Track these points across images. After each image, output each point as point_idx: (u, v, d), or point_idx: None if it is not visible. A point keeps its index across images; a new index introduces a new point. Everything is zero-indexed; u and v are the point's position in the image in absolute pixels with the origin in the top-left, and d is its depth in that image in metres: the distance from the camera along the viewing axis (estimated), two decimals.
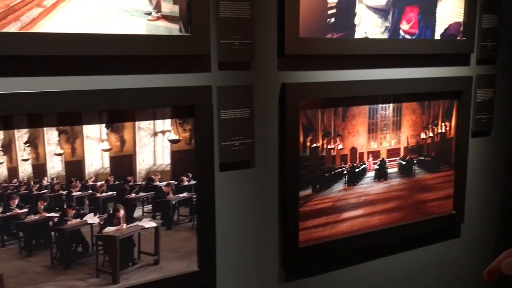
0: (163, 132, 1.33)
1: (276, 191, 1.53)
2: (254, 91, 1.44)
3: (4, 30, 1.08)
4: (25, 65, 1.12)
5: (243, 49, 1.39)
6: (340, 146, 1.63)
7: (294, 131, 1.50)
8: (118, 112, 1.26)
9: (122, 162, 1.29)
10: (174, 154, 1.35)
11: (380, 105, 1.68)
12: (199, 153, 1.37)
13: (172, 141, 1.35)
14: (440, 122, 1.82)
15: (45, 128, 1.17)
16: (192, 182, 1.38)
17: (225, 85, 1.39)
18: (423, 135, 1.79)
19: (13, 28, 1.09)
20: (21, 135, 1.15)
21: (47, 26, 1.12)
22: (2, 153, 1.13)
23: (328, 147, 1.60)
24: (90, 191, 1.24)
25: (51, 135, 1.18)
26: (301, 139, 1.53)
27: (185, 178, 1.37)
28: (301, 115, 1.51)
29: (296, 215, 1.55)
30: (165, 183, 1.35)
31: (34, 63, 1.13)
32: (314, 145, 1.57)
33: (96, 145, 1.24)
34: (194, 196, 1.38)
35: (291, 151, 1.51)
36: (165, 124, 1.33)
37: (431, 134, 1.81)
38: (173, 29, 1.28)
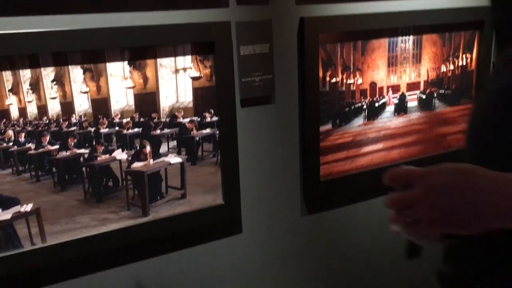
0: (184, 69, 1.34)
1: (297, 126, 1.55)
2: (273, 26, 1.43)
3: None
4: (49, 3, 1.13)
5: None
6: (360, 81, 1.63)
7: (313, 66, 1.50)
8: (140, 50, 1.27)
9: (146, 99, 1.31)
10: (196, 91, 1.37)
11: (399, 38, 1.66)
12: (220, 89, 1.38)
13: (194, 78, 1.36)
14: (461, 54, 1.80)
15: (70, 66, 1.19)
16: (215, 118, 1.40)
17: (243, 21, 1.38)
18: (443, 68, 1.77)
19: None
20: (47, 74, 1.17)
21: None
22: (31, 91, 1.16)
23: (348, 82, 1.60)
24: (117, 128, 1.28)
25: (76, 73, 1.21)
26: (321, 74, 1.53)
27: (207, 115, 1.40)
28: (320, 50, 1.51)
29: (316, 150, 1.58)
30: (188, 119, 1.38)
31: (58, 1, 1.14)
32: (334, 80, 1.57)
33: (120, 83, 1.26)
34: (217, 132, 1.41)
35: (310, 86, 1.52)
36: (186, 61, 1.34)
37: (451, 67, 1.79)
38: None
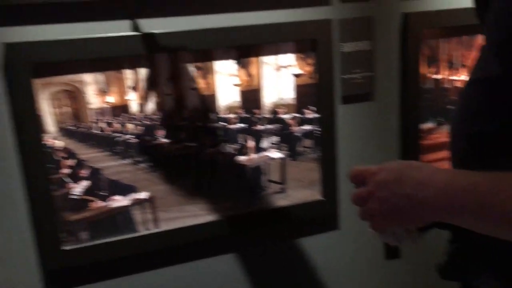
0: (287, 66, 1.38)
1: (397, 124, 1.53)
2: (374, 23, 1.43)
3: None
4: (164, 7, 1.22)
5: None
6: (464, 77, 1.57)
7: (416, 63, 1.48)
8: (245, 48, 1.33)
9: (250, 96, 1.37)
10: (297, 88, 1.41)
11: None
12: (321, 86, 1.41)
13: (296, 75, 1.40)
14: None
15: (183, 65, 1.28)
16: (315, 115, 1.43)
17: (345, 18, 1.40)
18: None
19: None
20: (163, 72, 1.27)
21: None
22: (149, 88, 1.26)
23: (452, 78, 1.55)
24: (223, 123, 1.35)
25: (188, 71, 1.29)
26: (423, 70, 1.50)
27: (308, 111, 1.43)
28: (423, 46, 1.48)
29: (417, 148, 1.55)
30: (289, 116, 1.41)
31: (173, 4, 1.23)
32: (437, 76, 1.53)
33: (227, 80, 1.33)
34: (317, 128, 1.43)
35: (412, 83, 1.49)
36: (288, 59, 1.38)
37: None
38: None
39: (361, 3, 1.41)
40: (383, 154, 1.54)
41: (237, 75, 1.34)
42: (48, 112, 1.18)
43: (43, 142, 1.17)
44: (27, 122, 1.14)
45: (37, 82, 1.15)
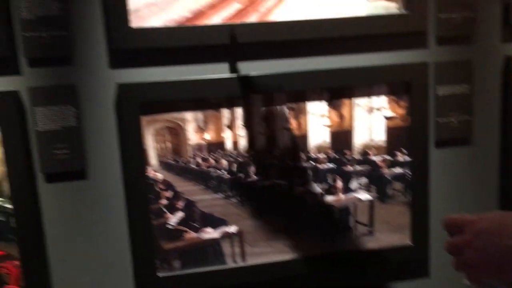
0: (379, 108, 1.38)
1: (496, 170, 1.46)
2: (474, 66, 1.39)
3: (247, 20, 1.26)
4: (260, 50, 1.29)
5: (463, 23, 1.35)
6: None
7: None
8: (338, 90, 1.35)
9: (341, 137, 1.38)
10: (389, 130, 1.40)
11: None
12: (414, 129, 1.39)
13: (388, 118, 1.39)
14: None
15: (276, 106, 1.33)
16: (407, 158, 1.40)
17: (442, 61, 1.37)
18: None
19: (253, 18, 1.26)
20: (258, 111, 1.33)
21: (279, 14, 1.27)
22: (244, 127, 1.32)
23: None
24: (313, 163, 1.37)
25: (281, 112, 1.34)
26: None
27: (399, 154, 1.41)
28: None
29: None
30: (380, 157, 1.40)
31: (268, 48, 1.29)
32: None
33: (318, 121, 1.36)
34: (409, 172, 1.41)
35: None
36: (381, 101, 1.38)
37: None
38: (391, 7, 1.32)
39: (460, 46, 1.38)
40: (480, 201, 1.47)
41: (328, 116, 1.36)
42: (152, 146, 1.28)
43: (146, 174, 1.27)
44: (133, 155, 1.25)
45: (144, 119, 1.25)
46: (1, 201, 1.21)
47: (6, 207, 1.21)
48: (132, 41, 1.19)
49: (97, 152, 1.25)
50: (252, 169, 1.35)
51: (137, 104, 1.23)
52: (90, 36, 1.20)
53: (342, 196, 1.40)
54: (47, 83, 1.19)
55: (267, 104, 1.32)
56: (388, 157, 1.41)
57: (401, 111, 1.39)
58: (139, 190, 1.26)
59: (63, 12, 1.16)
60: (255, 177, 1.35)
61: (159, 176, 1.30)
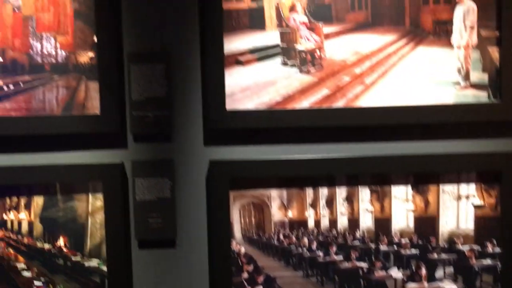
0: (467, 196, 1.35)
1: None
2: None
3: (333, 105, 1.31)
4: (347, 134, 1.33)
5: None
6: None
7: None
8: (424, 175, 1.35)
9: (425, 223, 1.36)
10: (477, 219, 1.35)
11: None
12: (506, 220, 1.33)
13: (476, 206, 1.35)
14: None
15: (359, 187, 1.35)
16: (497, 249, 1.34)
17: None
18: None
19: (340, 103, 1.32)
20: (340, 192, 1.35)
21: (366, 100, 1.32)
22: (326, 206, 1.35)
23: None
24: (395, 247, 1.35)
25: (364, 194, 1.35)
26: None
27: (489, 245, 1.35)
28: None
29: None
30: (468, 247, 1.35)
31: (355, 132, 1.33)
32: None
33: (402, 205, 1.35)
34: (499, 264, 1.34)
35: None
36: (469, 188, 1.35)
37: None
38: (481, 96, 1.32)
39: None
40: None
41: (412, 201, 1.35)
42: (237, 220, 1.35)
43: (230, 247, 1.32)
44: (220, 228, 1.31)
45: (232, 194, 1.32)
46: (98, 263, 1.32)
47: (103, 270, 1.32)
48: (226, 122, 1.29)
49: (187, 223, 1.33)
50: (333, 249, 1.35)
51: (227, 180, 1.31)
52: (189, 116, 1.32)
53: (425, 284, 1.35)
54: (148, 157, 1.31)
55: (351, 185, 1.35)
56: (476, 247, 1.35)
57: (491, 200, 1.34)
58: (223, 262, 1.32)
59: (167, 94, 1.29)
60: (335, 257, 1.35)
61: (242, 249, 1.34)
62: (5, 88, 1.28)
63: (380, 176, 1.35)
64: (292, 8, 1.31)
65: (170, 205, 1.31)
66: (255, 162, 1.31)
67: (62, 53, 1.28)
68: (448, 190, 1.35)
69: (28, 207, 1.33)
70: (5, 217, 1.32)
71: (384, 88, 1.32)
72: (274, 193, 1.35)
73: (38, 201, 1.32)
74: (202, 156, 1.32)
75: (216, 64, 1.28)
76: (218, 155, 1.32)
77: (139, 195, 1.31)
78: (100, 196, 1.31)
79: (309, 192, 1.35)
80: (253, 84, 1.31)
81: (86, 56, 1.28)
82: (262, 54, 1.32)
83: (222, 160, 1.31)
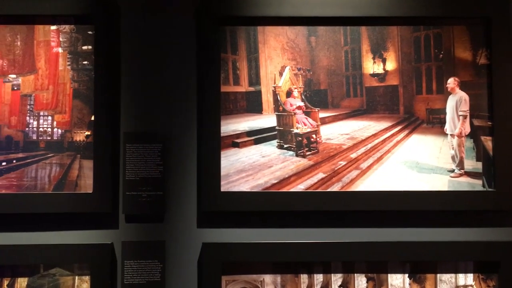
0: (465, 286, 1.32)
1: None
2: None
3: (329, 189, 1.31)
4: (341, 218, 1.31)
5: None
6: None
7: None
8: (421, 264, 1.32)
9: None
10: None
11: None
12: None
13: None
14: None
15: (355, 274, 1.31)
16: None
17: None
18: None
19: (336, 187, 1.31)
20: (336, 279, 1.31)
21: (362, 185, 1.31)
22: None
23: None
24: None
25: (360, 281, 1.31)
26: None
27: None
28: None
29: None
30: None
31: (346, 217, 1.31)
32: None
33: None
34: None
35: None
36: (467, 278, 1.32)
37: None
38: (476, 184, 1.32)
39: None
40: None
41: None
42: None
43: None
44: None
45: (224, 279, 1.28)
46: None
47: None
48: (220, 204, 1.27)
49: None
50: None
51: (219, 264, 1.27)
52: (183, 197, 1.30)
53: None
54: (139, 238, 1.28)
55: (346, 272, 1.31)
56: None
57: None
58: None
59: (162, 175, 1.28)
60: None
61: None
62: None
63: (376, 263, 1.32)
64: (289, 93, 1.33)
65: None
66: (249, 245, 1.28)
67: (58, 131, 1.28)
68: (445, 279, 1.32)
69: None
70: None
71: (380, 174, 1.32)
72: (267, 278, 1.31)
73: (21, 282, 1.26)
74: (195, 238, 1.29)
75: (212, 146, 1.28)
76: (211, 237, 1.29)
77: (128, 279, 1.26)
78: (86, 278, 1.26)
79: (304, 278, 1.31)
80: (249, 166, 1.31)
81: (82, 135, 1.28)
82: (258, 136, 1.33)
83: (215, 242, 1.28)
